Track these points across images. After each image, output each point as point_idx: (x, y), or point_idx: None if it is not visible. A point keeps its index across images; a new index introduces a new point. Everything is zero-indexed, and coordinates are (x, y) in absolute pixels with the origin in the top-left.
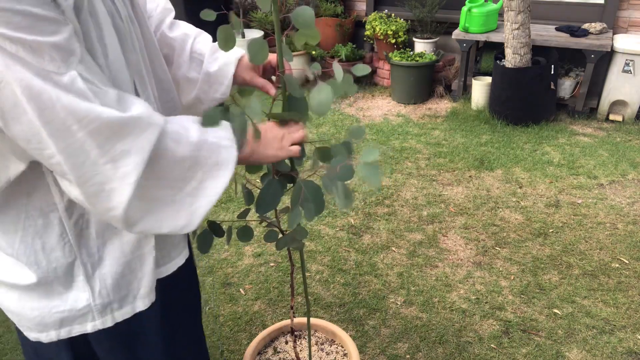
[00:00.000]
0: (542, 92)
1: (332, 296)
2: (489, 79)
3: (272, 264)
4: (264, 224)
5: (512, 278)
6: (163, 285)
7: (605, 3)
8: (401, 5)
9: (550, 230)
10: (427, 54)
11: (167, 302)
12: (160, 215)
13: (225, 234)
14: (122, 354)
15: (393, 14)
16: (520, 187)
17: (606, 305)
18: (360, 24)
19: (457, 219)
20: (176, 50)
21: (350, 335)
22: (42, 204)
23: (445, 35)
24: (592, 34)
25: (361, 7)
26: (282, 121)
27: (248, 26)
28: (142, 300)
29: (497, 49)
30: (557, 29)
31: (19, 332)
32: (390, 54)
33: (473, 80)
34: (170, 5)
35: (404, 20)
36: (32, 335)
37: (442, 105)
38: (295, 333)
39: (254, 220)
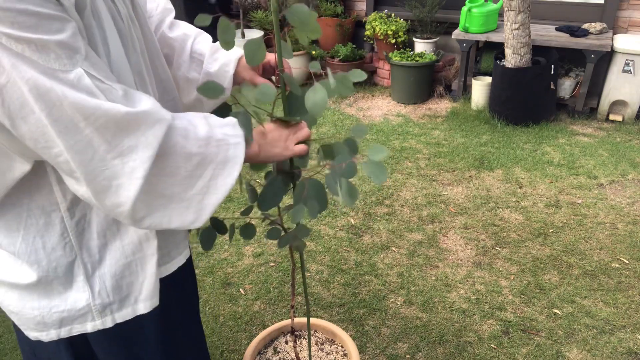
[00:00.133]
0: (542, 92)
1: (332, 296)
2: (489, 79)
3: (272, 264)
4: (265, 222)
5: (512, 278)
6: (163, 285)
7: (605, 3)
8: (401, 5)
9: (550, 230)
10: (427, 54)
11: (166, 302)
12: (169, 211)
13: (228, 231)
14: (121, 353)
15: (393, 14)
16: (520, 187)
17: (606, 305)
18: (360, 24)
19: (457, 219)
20: (176, 50)
21: (350, 335)
22: (44, 203)
23: (445, 35)
24: (592, 34)
25: (361, 7)
26: (286, 121)
27: (248, 26)
28: (143, 303)
29: (497, 49)
30: (557, 29)
31: (18, 332)
32: (390, 54)
33: (473, 80)
34: (170, 5)
35: (404, 20)
36: (33, 335)
37: (442, 105)
38: (296, 333)
39: (257, 218)
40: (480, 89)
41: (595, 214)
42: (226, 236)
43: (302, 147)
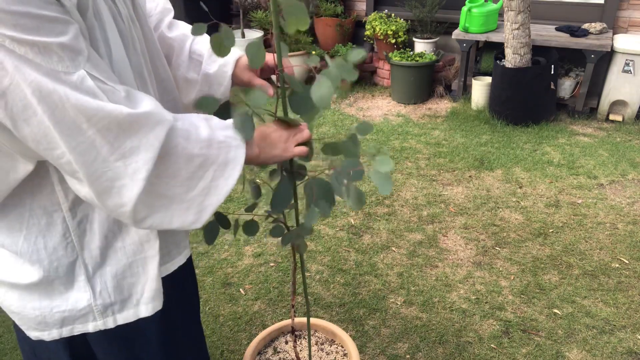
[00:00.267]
0: (542, 92)
1: (332, 296)
2: (489, 79)
3: (272, 264)
4: (267, 220)
5: (512, 278)
6: (163, 285)
7: (605, 3)
8: (401, 5)
9: (550, 230)
10: (427, 54)
11: (167, 302)
12: (170, 212)
13: (232, 227)
14: (121, 354)
15: (393, 14)
16: (520, 187)
17: (606, 305)
18: (360, 24)
19: (457, 219)
20: (175, 50)
21: (350, 335)
22: (46, 203)
23: (445, 35)
24: (592, 34)
25: (361, 7)
26: (286, 122)
27: (248, 26)
28: (145, 305)
29: (497, 49)
30: (557, 29)
31: (18, 331)
32: (390, 54)
33: (473, 80)
34: (169, 5)
35: (404, 20)
36: (34, 334)
37: (442, 105)
38: (296, 333)
39: (260, 215)
40: (480, 89)
41: (595, 214)
42: (226, 236)
43: (302, 149)
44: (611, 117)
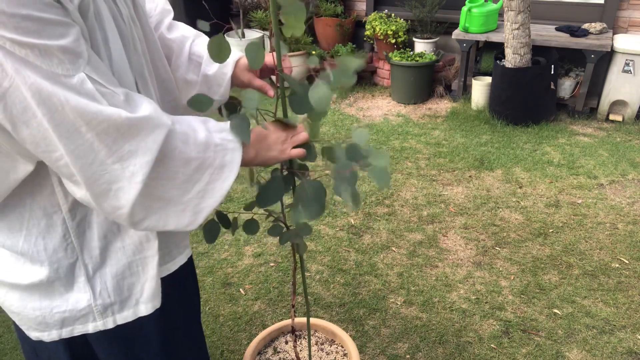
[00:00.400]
0: (542, 92)
1: (332, 296)
2: (489, 79)
3: (272, 264)
4: (268, 219)
5: (512, 278)
6: (164, 285)
7: (605, 3)
8: (401, 5)
9: (550, 230)
10: (427, 54)
11: (167, 301)
12: (166, 214)
13: (232, 225)
14: (121, 353)
15: (393, 14)
16: (520, 187)
17: (606, 305)
18: (360, 24)
19: (457, 219)
20: (174, 51)
21: (350, 335)
22: (46, 204)
23: (445, 35)
24: (592, 34)
25: (361, 7)
26: (285, 123)
27: (248, 26)
28: (145, 304)
29: (497, 49)
30: (557, 29)
31: (19, 331)
32: (390, 54)
33: (473, 80)
34: (169, 7)
35: (404, 20)
36: (34, 335)
37: (442, 105)
38: (296, 333)
39: (260, 214)
40: (480, 89)
41: (595, 214)
42: (227, 236)
43: (299, 151)
44: (611, 117)
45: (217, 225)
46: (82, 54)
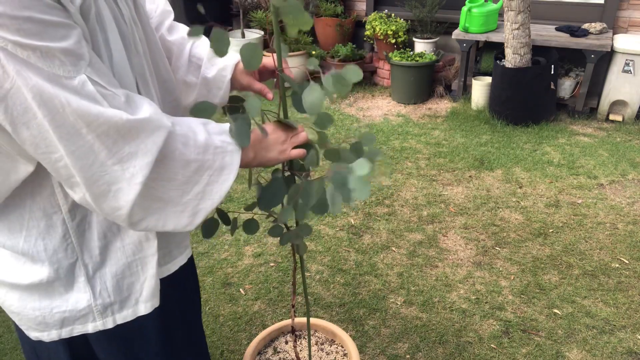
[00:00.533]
0: (542, 92)
1: (332, 296)
2: (489, 79)
3: (272, 264)
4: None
5: (512, 278)
6: (164, 285)
7: (605, 3)
8: (401, 5)
9: (550, 230)
10: (427, 54)
11: (167, 301)
12: (164, 215)
13: (231, 225)
14: (120, 353)
15: (393, 14)
16: (520, 187)
17: (606, 305)
18: (360, 24)
19: (457, 219)
20: (174, 53)
21: (350, 335)
22: (46, 205)
23: (445, 35)
24: (592, 34)
25: (361, 7)
26: (285, 124)
27: (248, 26)
28: (144, 304)
29: (497, 49)
30: (557, 29)
31: (19, 331)
32: (390, 54)
33: (473, 80)
34: (169, 8)
35: (404, 20)
36: (34, 335)
37: (442, 105)
38: (296, 333)
39: (261, 214)
40: (480, 89)
41: (595, 214)
42: (227, 236)
43: (298, 151)
44: (611, 117)
45: (215, 221)
46: (83, 56)
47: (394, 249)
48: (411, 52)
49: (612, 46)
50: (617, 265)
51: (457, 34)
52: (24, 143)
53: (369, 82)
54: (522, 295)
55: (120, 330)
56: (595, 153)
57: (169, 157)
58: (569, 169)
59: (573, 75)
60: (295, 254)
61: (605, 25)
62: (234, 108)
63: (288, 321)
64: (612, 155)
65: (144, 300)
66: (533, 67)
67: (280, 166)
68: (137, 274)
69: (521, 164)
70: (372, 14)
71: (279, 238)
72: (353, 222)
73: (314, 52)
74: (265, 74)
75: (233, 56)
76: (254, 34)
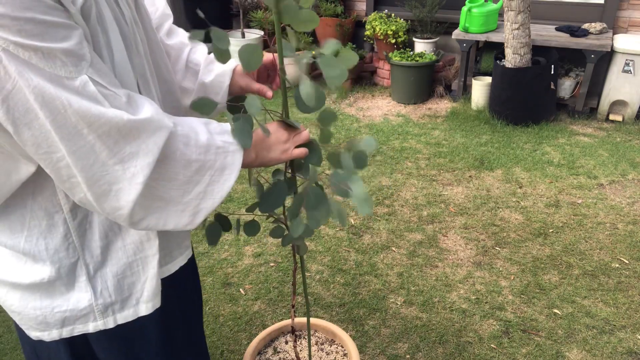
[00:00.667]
0: (542, 92)
1: (332, 296)
2: (489, 79)
3: (272, 264)
4: (268, 220)
5: (512, 278)
6: (164, 285)
7: (605, 3)
8: (401, 5)
9: (550, 230)
10: (427, 54)
11: (168, 302)
12: (165, 214)
13: (234, 226)
14: (121, 353)
15: (393, 14)
16: (520, 187)
17: (606, 305)
18: (360, 24)
19: (457, 219)
20: (171, 58)
21: (350, 335)
22: (47, 204)
23: (445, 35)
24: (592, 34)
25: (361, 7)
26: (286, 124)
27: (248, 26)
28: (145, 304)
29: (497, 49)
30: (557, 29)
31: (19, 330)
32: (390, 54)
33: (473, 80)
34: (169, 11)
35: (404, 20)
36: (34, 334)
37: (442, 105)
38: (296, 333)
39: (262, 215)
40: (480, 89)
41: (595, 214)
42: (227, 235)
43: (301, 150)
44: (611, 117)
45: (219, 227)
46: (84, 56)
47: (394, 249)
48: (411, 52)
49: (612, 46)
50: (617, 265)
51: (457, 34)
52: (25, 144)
53: (369, 82)
54: (522, 295)
55: (120, 330)
56: (595, 153)
57: (170, 157)
58: (569, 169)
59: (573, 75)
60: (296, 254)
61: (605, 25)
62: (235, 108)
63: (288, 321)
64: (612, 155)
65: (145, 301)
66: (533, 67)
67: (280, 166)
68: (138, 273)
69: (521, 164)
70: (372, 14)
71: (279, 238)
72: (353, 222)
73: (313, 52)
74: (263, 73)
75: (231, 62)
76: (253, 34)
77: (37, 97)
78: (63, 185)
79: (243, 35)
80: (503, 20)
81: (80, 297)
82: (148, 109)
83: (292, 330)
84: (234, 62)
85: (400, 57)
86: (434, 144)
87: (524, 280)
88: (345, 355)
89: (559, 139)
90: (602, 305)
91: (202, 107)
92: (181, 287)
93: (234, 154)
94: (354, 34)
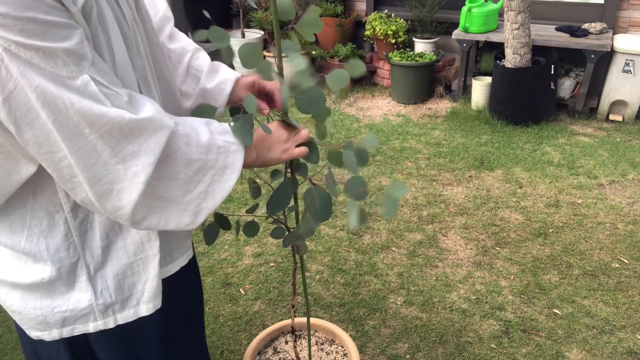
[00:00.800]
0: (542, 92)
1: (332, 296)
2: (489, 79)
3: (272, 264)
4: (267, 221)
5: (512, 278)
6: (165, 286)
7: (605, 3)
8: (401, 5)
9: (550, 230)
10: (427, 54)
11: (168, 302)
12: (166, 213)
13: (234, 228)
14: (121, 353)
15: (393, 14)
16: (520, 187)
17: (606, 305)
18: (360, 24)
19: (457, 219)
20: (172, 62)
21: (350, 335)
22: (48, 204)
23: (445, 35)
24: (592, 34)
25: (361, 7)
26: (286, 124)
27: (248, 26)
28: (146, 305)
29: (497, 49)
30: (557, 29)
31: (20, 330)
32: (390, 54)
33: (473, 80)
34: (170, 14)
35: (404, 20)
36: (34, 334)
37: (442, 105)
38: (296, 333)
39: (261, 216)
40: (480, 89)
41: (595, 214)
42: (227, 235)
43: (301, 149)
44: (611, 117)
45: (216, 227)
46: (86, 56)
47: (394, 249)
48: (411, 52)
49: (612, 46)
50: (617, 265)
51: (457, 34)
52: (27, 144)
53: (369, 82)
54: (522, 295)
55: (121, 330)
56: (595, 153)
57: (171, 156)
58: (569, 169)
59: (573, 75)
60: (296, 254)
61: (605, 25)
62: (235, 110)
63: (288, 321)
64: (612, 155)
65: (146, 301)
66: (533, 67)
67: (279, 167)
68: (139, 274)
69: (521, 164)
70: (372, 14)
71: (279, 239)
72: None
73: (314, 52)
74: (262, 93)
75: (234, 72)
76: (254, 34)
77: (38, 96)
78: (65, 185)
79: (243, 35)
80: (503, 20)
81: (80, 297)
82: (149, 108)
83: (292, 330)
84: (238, 73)
85: (400, 57)
86: (434, 144)
87: (524, 280)
88: (345, 355)
89: (559, 139)
90: (602, 305)
91: (203, 113)
92: (182, 288)
93: (235, 154)
94: (354, 34)
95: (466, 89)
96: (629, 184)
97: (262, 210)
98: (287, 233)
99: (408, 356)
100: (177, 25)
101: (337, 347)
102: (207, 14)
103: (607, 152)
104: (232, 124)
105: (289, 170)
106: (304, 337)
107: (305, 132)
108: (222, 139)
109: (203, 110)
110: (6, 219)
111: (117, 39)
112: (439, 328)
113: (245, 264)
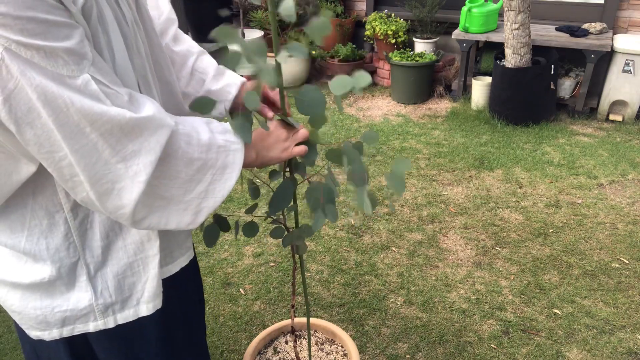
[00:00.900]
0: (542, 92)
1: (332, 296)
2: (489, 79)
3: (272, 264)
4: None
5: (512, 278)
6: (165, 286)
7: (605, 3)
8: (401, 5)
9: (550, 230)
10: (427, 54)
11: (168, 302)
12: (167, 213)
13: (233, 229)
14: (121, 353)
15: (393, 14)
16: (520, 187)
17: (606, 305)
18: (360, 24)
19: (457, 219)
20: (176, 64)
21: (350, 335)
22: (48, 204)
23: (445, 35)
24: (592, 34)
25: (361, 7)
26: (285, 123)
27: (248, 26)
28: (146, 304)
29: (497, 49)
30: (557, 29)
31: (19, 330)
32: (390, 54)
33: (473, 80)
34: (174, 16)
35: (404, 20)
36: (34, 334)
37: (442, 105)
38: (296, 333)
39: (260, 216)
40: (480, 89)
41: (595, 214)
42: (227, 235)
43: (301, 148)
44: (611, 117)
45: (216, 229)
46: (86, 55)
47: (394, 249)
48: (411, 52)
49: (612, 46)
50: (617, 265)
51: (457, 34)
52: (27, 143)
53: None
54: (522, 295)
55: (121, 330)
56: (595, 153)
57: (172, 155)
58: (569, 169)
59: (573, 75)
60: (295, 254)
61: (605, 25)
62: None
63: (288, 321)
64: (612, 155)
65: (146, 301)
66: (533, 67)
67: (277, 166)
68: (139, 274)
69: (521, 164)
70: (372, 14)
71: (279, 239)
72: (353, 222)
73: (314, 52)
74: (266, 101)
75: (240, 77)
76: (254, 34)
77: (39, 96)
78: (65, 185)
79: (243, 35)
80: (503, 20)
81: (80, 296)
82: (150, 107)
83: (292, 330)
84: (243, 78)
85: (400, 57)
86: (434, 144)
87: (524, 280)
88: (345, 355)
89: (559, 139)
90: (602, 305)
91: (202, 106)
92: (182, 288)
93: (235, 153)
94: (354, 34)
95: (466, 89)
96: (629, 184)
97: (261, 211)
98: (286, 233)
99: (408, 356)
100: (177, 25)
101: (337, 347)
102: (224, 12)
103: (607, 152)
104: (231, 122)
105: (287, 170)
106: (304, 337)
107: (304, 131)
108: (223, 138)
109: (202, 103)
110: (6, 219)
111: (117, 39)
112: (439, 328)
113: (245, 264)
